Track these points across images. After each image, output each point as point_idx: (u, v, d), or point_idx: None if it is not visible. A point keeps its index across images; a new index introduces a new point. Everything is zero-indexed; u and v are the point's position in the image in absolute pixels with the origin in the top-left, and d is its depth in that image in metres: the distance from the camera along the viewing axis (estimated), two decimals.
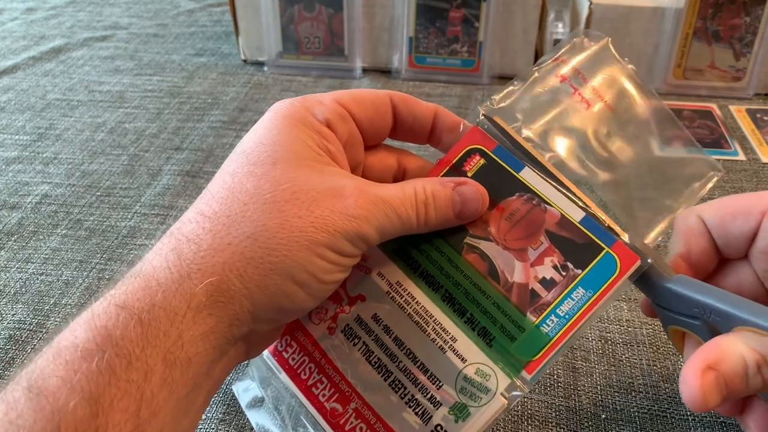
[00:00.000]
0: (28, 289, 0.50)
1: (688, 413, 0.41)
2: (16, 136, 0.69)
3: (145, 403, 0.24)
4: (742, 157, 0.65)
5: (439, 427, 0.31)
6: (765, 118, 0.70)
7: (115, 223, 0.57)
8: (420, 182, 0.32)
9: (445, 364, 0.32)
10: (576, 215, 0.32)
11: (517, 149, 0.34)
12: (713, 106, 0.73)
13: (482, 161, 0.34)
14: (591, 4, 0.72)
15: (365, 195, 0.29)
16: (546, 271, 0.32)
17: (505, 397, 0.31)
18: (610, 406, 0.41)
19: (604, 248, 0.31)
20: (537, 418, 0.41)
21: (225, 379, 0.30)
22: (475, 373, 0.31)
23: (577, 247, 0.32)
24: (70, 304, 0.49)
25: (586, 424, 0.40)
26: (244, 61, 0.84)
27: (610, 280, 0.31)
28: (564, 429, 0.40)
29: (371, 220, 0.29)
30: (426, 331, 0.32)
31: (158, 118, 0.72)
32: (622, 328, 0.46)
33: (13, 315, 0.48)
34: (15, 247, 0.54)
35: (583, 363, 0.44)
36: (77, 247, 0.54)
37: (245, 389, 0.38)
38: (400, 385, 0.32)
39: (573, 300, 0.31)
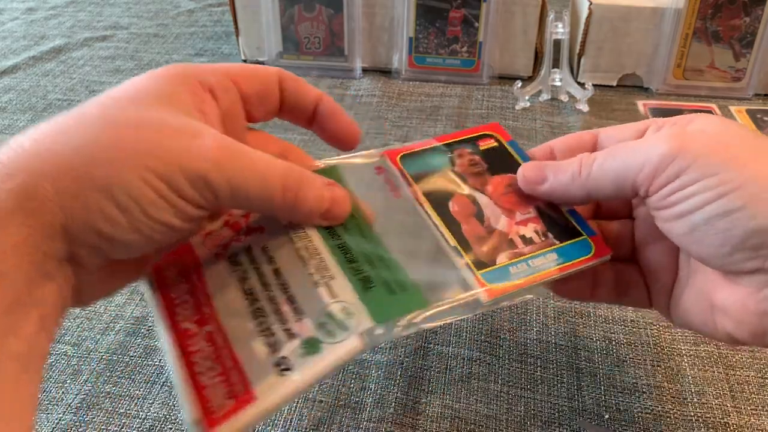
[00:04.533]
0: None
1: (692, 414, 0.41)
2: None
3: None
4: None
5: (283, 359, 0.29)
6: (765, 118, 0.71)
7: None
8: (298, 165, 0.31)
9: (314, 297, 0.31)
10: (566, 207, 0.36)
11: None
12: (713, 107, 0.73)
13: (495, 144, 0.38)
14: (591, 4, 0.72)
15: (227, 144, 0.28)
16: (528, 232, 0.35)
17: (362, 339, 0.30)
18: (614, 406, 0.41)
19: (583, 235, 0.35)
20: (540, 418, 0.41)
21: (63, 313, 0.27)
22: (340, 311, 0.30)
23: (560, 226, 0.35)
24: None
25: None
26: (245, 61, 0.84)
27: (582, 258, 0.34)
28: (567, 429, 0.40)
29: (224, 169, 0.27)
30: (307, 265, 0.32)
31: None
32: (626, 328, 0.46)
33: None
34: None
35: (587, 363, 0.44)
36: None
37: None
38: (261, 313, 0.31)
39: (545, 258, 0.34)
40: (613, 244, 0.35)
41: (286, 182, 0.30)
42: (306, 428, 0.40)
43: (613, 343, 0.45)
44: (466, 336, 0.46)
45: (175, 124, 0.27)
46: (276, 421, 0.40)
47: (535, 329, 0.46)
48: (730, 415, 0.41)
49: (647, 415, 0.41)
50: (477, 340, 0.46)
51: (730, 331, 0.30)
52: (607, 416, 0.41)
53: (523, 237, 0.35)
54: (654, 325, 0.47)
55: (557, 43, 0.73)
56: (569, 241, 0.34)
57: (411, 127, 0.71)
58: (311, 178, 0.31)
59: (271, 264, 0.33)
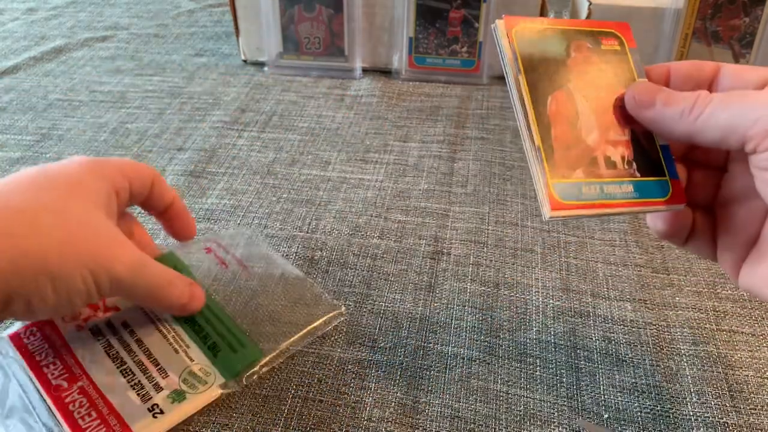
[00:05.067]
0: None
1: (692, 413, 0.41)
2: (19, 137, 0.69)
3: None
4: None
5: (155, 406, 0.37)
6: None
7: None
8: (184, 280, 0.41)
9: (176, 360, 0.40)
10: (661, 140, 0.35)
11: None
12: None
13: (617, 47, 0.36)
14: (590, 4, 0.73)
15: (139, 257, 0.36)
16: (614, 155, 0.34)
17: (219, 389, 0.39)
18: (613, 405, 0.41)
19: (666, 177, 0.34)
20: (539, 417, 0.41)
21: None
22: (199, 371, 0.39)
23: (648, 159, 0.34)
24: None
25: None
26: (245, 61, 0.84)
27: (656, 200, 0.33)
28: (566, 429, 0.40)
29: (135, 277, 0.36)
30: (166, 337, 0.41)
31: (160, 119, 0.72)
32: (625, 328, 0.47)
33: None
34: None
35: (586, 363, 0.44)
36: None
37: None
38: (129, 372, 0.39)
39: (620, 188, 0.33)
40: (692, 191, 0.34)
41: (177, 294, 0.40)
42: (306, 428, 0.40)
43: (613, 343, 0.45)
44: (466, 336, 0.46)
45: (109, 232, 0.35)
46: (276, 421, 0.40)
47: (535, 329, 0.47)
48: (729, 415, 0.41)
49: (647, 415, 0.41)
50: (477, 340, 0.46)
51: None
52: (606, 416, 0.41)
53: (608, 159, 0.33)
54: (653, 325, 0.47)
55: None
56: (650, 178, 0.34)
57: (411, 127, 0.71)
58: (179, 280, 0.40)
59: (133, 336, 0.41)
